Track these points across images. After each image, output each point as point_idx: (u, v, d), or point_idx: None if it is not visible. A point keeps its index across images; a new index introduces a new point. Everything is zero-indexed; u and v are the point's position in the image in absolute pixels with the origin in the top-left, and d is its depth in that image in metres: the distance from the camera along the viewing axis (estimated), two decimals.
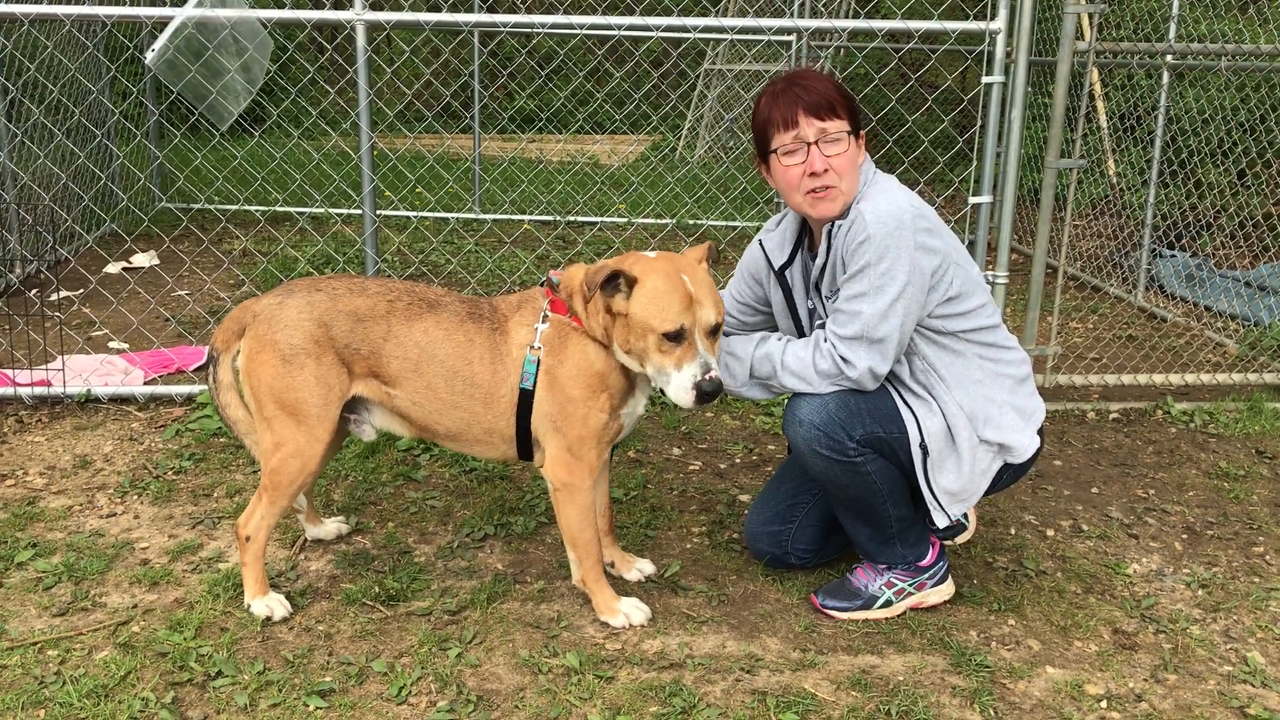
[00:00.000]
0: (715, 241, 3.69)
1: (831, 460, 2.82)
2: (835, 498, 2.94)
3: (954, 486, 2.84)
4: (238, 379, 2.90)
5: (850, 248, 2.73)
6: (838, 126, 2.77)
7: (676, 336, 2.65)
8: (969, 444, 2.82)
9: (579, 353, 2.81)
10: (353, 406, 2.98)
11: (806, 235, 3.03)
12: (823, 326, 2.92)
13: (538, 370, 2.81)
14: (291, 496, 2.90)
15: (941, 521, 2.87)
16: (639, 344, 2.69)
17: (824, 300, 2.91)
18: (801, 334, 3.08)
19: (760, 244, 3.13)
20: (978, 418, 2.84)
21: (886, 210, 2.69)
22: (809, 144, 2.78)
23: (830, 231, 2.80)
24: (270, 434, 2.86)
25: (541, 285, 2.91)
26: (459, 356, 2.85)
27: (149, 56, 4.43)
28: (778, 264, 3.05)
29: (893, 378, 2.88)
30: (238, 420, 2.97)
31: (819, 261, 2.86)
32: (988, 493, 2.95)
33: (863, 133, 2.86)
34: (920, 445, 2.81)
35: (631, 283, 2.68)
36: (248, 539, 2.91)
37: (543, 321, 2.83)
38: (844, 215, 2.79)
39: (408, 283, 2.98)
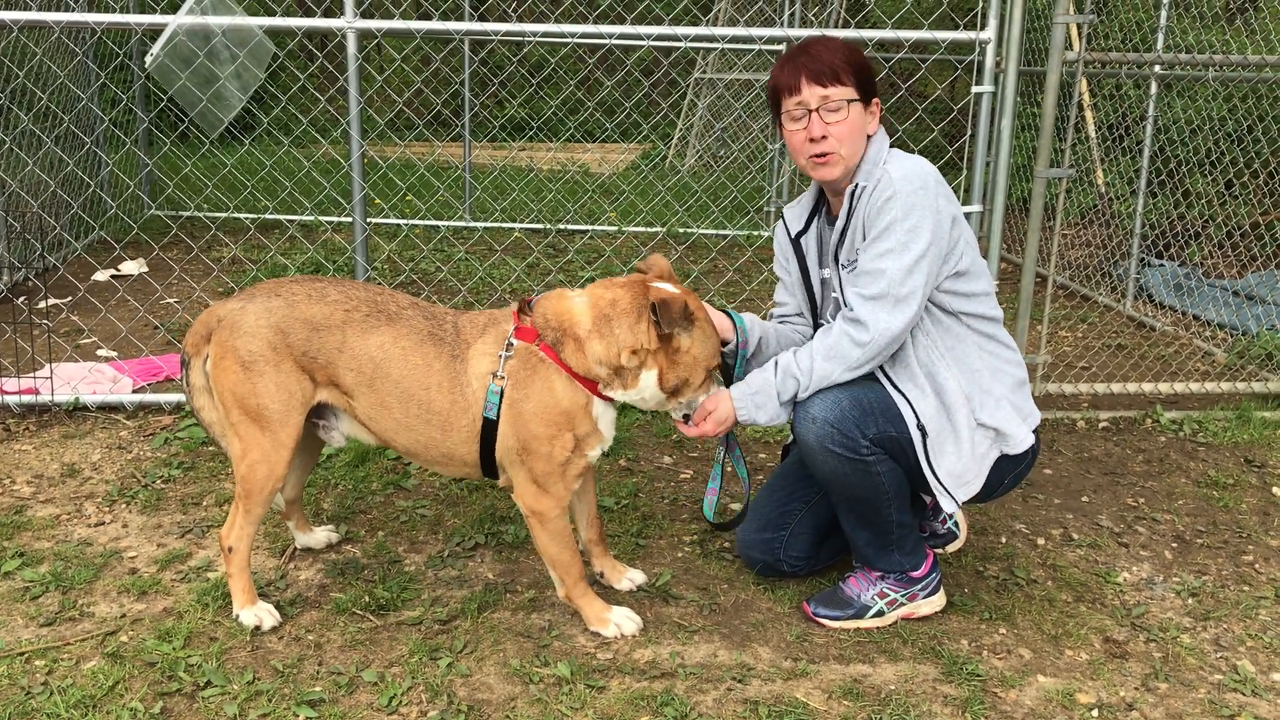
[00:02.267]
0: (706, 249, 3.71)
1: (843, 458, 2.82)
2: (840, 498, 2.94)
3: (956, 468, 2.84)
4: (209, 382, 2.89)
5: (876, 205, 2.75)
6: (840, 94, 2.81)
7: (714, 369, 2.85)
8: (967, 425, 2.83)
9: (545, 388, 2.74)
10: (321, 413, 2.95)
11: (824, 204, 3.06)
12: (836, 305, 2.95)
13: (501, 400, 2.75)
14: (265, 503, 2.88)
15: (949, 507, 2.86)
16: (691, 379, 2.80)
17: (840, 269, 2.92)
18: (814, 307, 3.10)
19: (783, 215, 3.17)
20: (974, 401, 2.85)
21: (912, 170, 2.75)
22: (811, 110, 2.83)
23: (853, 193, 2.82)
24: (237, 440, 2.85)
25: (517, 306, 2.84)
26: (415, 380, 2.79)
27: (147, 61, 4.43)
28: (794, 231, 3.09)
29: (884, 364, 2.88)
30: (212, 423, 2.97)
31: (839, 225, 2.88)
32: (985, 498, 2.96)
33: (876, 101, 2.88)
34: (918, 427, 2.81)
35: (690, 319, 2.70)
36: (230, 550, 2.90)
37: (507, 349, 2.76)
38: (866, 179, 2.82)
39: (374, 290, 2.91)
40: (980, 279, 2.90)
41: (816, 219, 3.06)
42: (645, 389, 2.78)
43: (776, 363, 2.85)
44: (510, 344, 2.75)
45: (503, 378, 2.74)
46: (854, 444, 2.80)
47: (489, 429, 2.77)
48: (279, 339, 2.79)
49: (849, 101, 2.82)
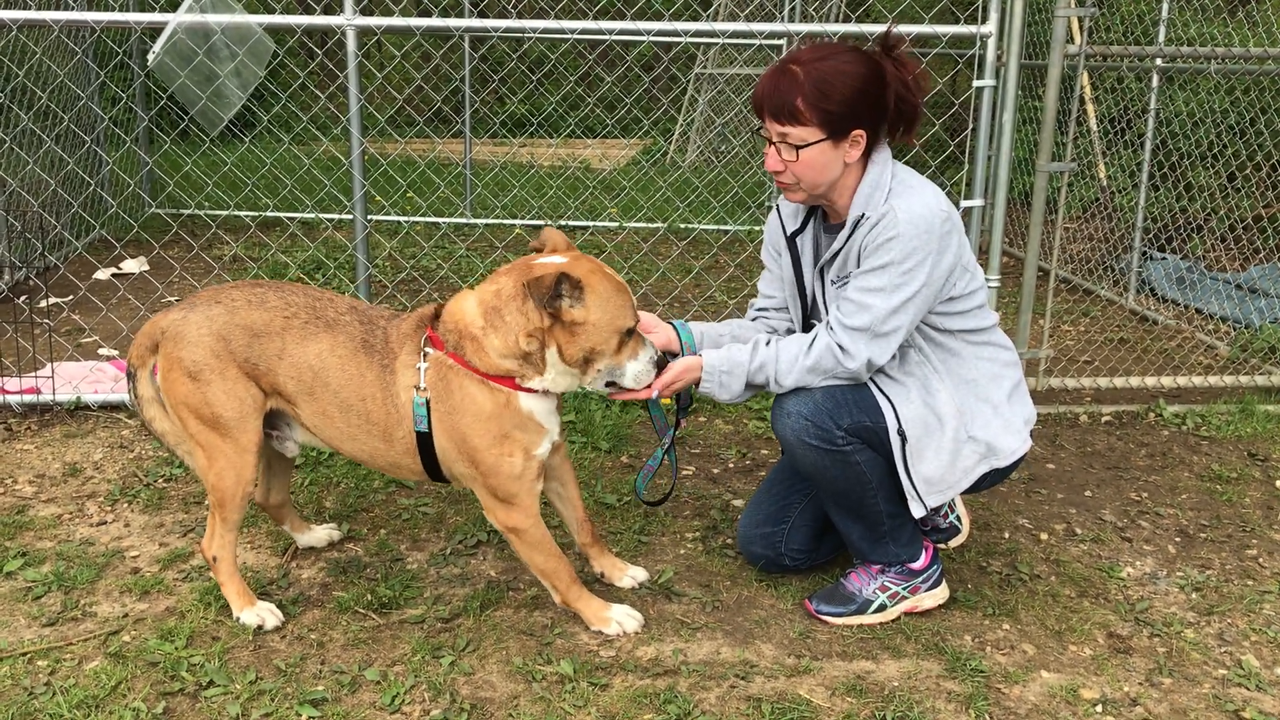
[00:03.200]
0: (707, 245, 3.68)
1: (821, 450, 2.81)
2: (826, 492, 2.94)
3: (933, 475, 2.83)
4: (158, 393, 2.87)
5: (877, 241, 2.71)
6: (798, 134, 2.73)
7: (631, 330, 2.70)
8: (954, 438, 2.82)
9: (465, 397, 2.70)
10: (273, 423, 2.93)
11: (821, 205, 3.01)
12: (823, 303, 2.93)
13: (429, 413, 2.71)
14: (240, 508, 2.87)
15: (917, 511, 2.86)
16: (599, 347, 2.66)
17: (828, 282, 2.90)
18: (805, 305, 3.07)
19: (777, 209, 3.12)
20: (967, 414, 2.84)
21: (919, 213, 2.69)
22: (771, 142, 2.80)
23: (857, 221, 2.79)
24: (201, 451, 2.83)
25: (432, 313, 2.80)
26: (351, 390, 2.76)
27: (149, 59, 4.42)
28: (789, 230, 3.05)
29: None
30: (165, 433, 2.95)
31: (835, 247, 2.84)
32: (972, 490, 2.96)
33: (858, 133, 2.75)
34: (898, 431, 2.81)
35: (578, 286, 2.60)
36: (215, 559, 2.90)
37: (423, 360, 2.73)
38: (871, 208, 2.76)
39: (314, 295, 2.87)
40: (976, 294, 2.86)
41: (813, 219, 3.03)
42: (553, 368, 2.70)
43: (755, 351, 2.84)
44: (426, 354, 2.73)
45: (425, 389, 2.71)
46: (829, 435, 2.79)
47: (424, 440, 2.75)
48: (221, 346, 2.76)
49: (805, 145, 2.73)
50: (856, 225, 2.78)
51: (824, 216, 3.00)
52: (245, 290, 2.85)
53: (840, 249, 2.83)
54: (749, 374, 2.83)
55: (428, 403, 2.71)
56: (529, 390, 2.72)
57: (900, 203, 2.72)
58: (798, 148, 2.74)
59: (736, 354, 2.85)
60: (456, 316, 2.72)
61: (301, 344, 2.78)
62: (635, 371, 2.75)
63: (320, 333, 2.79)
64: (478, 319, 2.69)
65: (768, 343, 2.86)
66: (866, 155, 2.81)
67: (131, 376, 2.89)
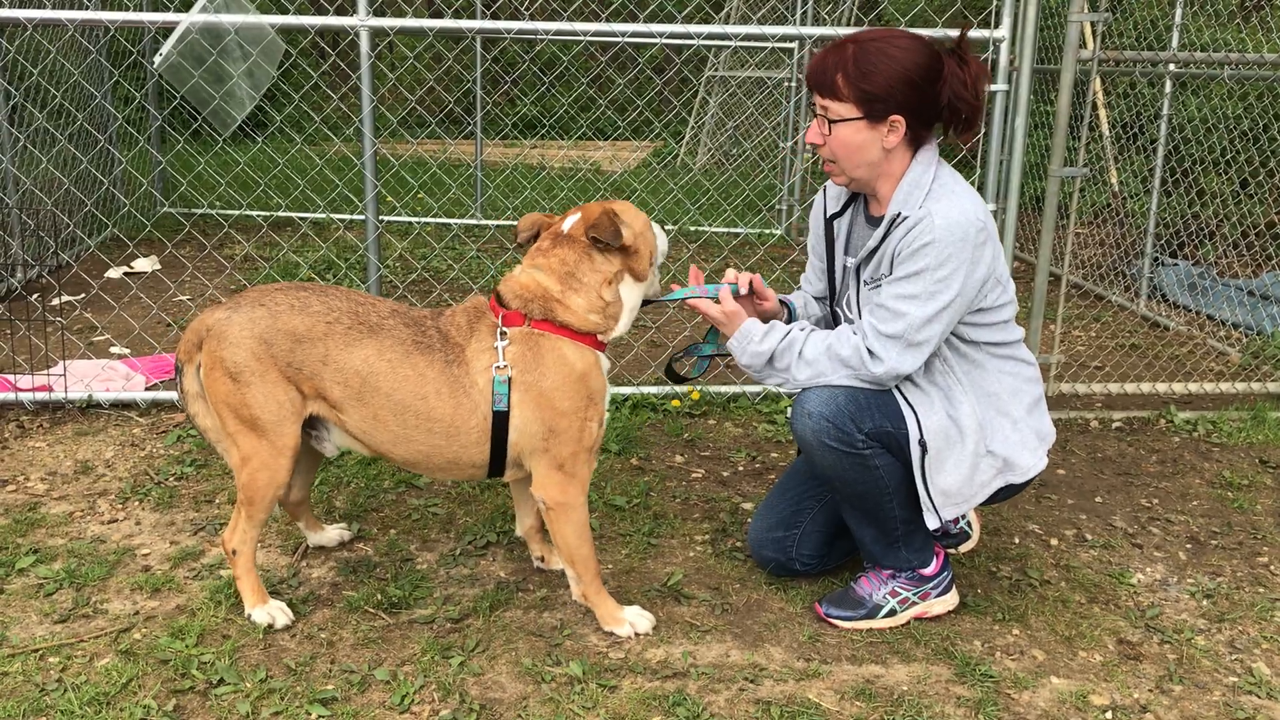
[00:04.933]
0: (718, 248, 3.74)
1: (840, 453, 2.81)
2: (841, 494, 2.93)
3: (950, 487, 2.82)
4: (202, 389, 2.89)
5: (911, 246, 2.69)
6: (836, 110, 2.75)
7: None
8: (974, 452, 2.81)
9: (557, 359, 2.77)
10: (313, 423, 2.93)
11: (863, 194, 3.01)
12: (856, 303, 2.94)
13: (509, 391, 2.75)
14: (268, 508, 2.88)
15: (932, 523, 2.85)
16: (651, 245, 2.92)
17: (860, 283, 2.90)
18: (833, 291, 3.08)
19: (824, 191, 3.12)
20: (988, 427, 2.83)
21: (957, 220, 2.67)
22: (816, 115, 2.81)
23: (893, 221, 2.77)
24: (237, 449, 2.84)
25: (493, 297, 2.87)
26: (409, 391, 2.77)
27: (156, 60, 4.44)
28: (829, 211, 3.05)
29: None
30: (208, 429, 2.96)
31: (870, 245, 2.83)
32: (986, 504, 2.95)
33: (895, 119, 2.73)
34: (919, 442, 2.79)
35: (613, 214, 2.80)
36: (234, 553, 2.90)
37: (501, 339, 2.77)
38: (909, 207, 2.75)
39: (354, 299, 2.88)
40: (1006, 308, 2.85)
41: (853, 206, 3.02)
42: (628, 304, 2.88)
43: (790, 334, 2.85)
44: (503, 332, 2.78)
45: (505, 366, 2.75)
46: (850, 438, 2.78)
47: (500, 425, 2.77)
48: (263, 349, 2.77)
49: (840, 121, 2.74)
50: (893, 225, 2.76)
51: (865, 206, 3.00)
52: (289, 294, 2.86)
53: (876, 248, 2.82)
54: (775, 349, 2.83)
55: (509, 380, 2.75)
56: (603, 347, 2.87)
57: (938, 206, 2.69)
58: (831, 122, 2.76)
59: (769, 331, 2.86)
60: (531, 289, 2.81)
61: (345, 350, 2.79)
62: (660, 235, 3.00)
63: (365, 338, 2.80)
64: (554, 285, 2.81)
65: (801, 328, 2.88)
66: (914, 148, 2.80)
67: (179, 371, 2.92)
